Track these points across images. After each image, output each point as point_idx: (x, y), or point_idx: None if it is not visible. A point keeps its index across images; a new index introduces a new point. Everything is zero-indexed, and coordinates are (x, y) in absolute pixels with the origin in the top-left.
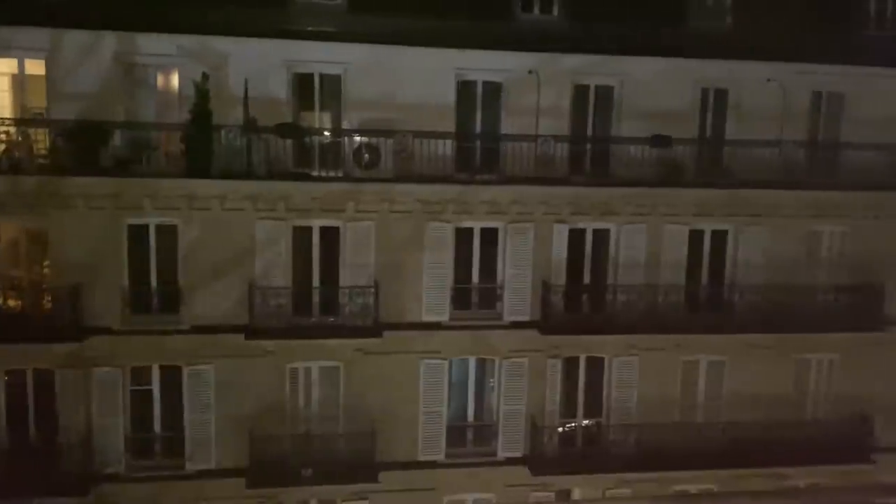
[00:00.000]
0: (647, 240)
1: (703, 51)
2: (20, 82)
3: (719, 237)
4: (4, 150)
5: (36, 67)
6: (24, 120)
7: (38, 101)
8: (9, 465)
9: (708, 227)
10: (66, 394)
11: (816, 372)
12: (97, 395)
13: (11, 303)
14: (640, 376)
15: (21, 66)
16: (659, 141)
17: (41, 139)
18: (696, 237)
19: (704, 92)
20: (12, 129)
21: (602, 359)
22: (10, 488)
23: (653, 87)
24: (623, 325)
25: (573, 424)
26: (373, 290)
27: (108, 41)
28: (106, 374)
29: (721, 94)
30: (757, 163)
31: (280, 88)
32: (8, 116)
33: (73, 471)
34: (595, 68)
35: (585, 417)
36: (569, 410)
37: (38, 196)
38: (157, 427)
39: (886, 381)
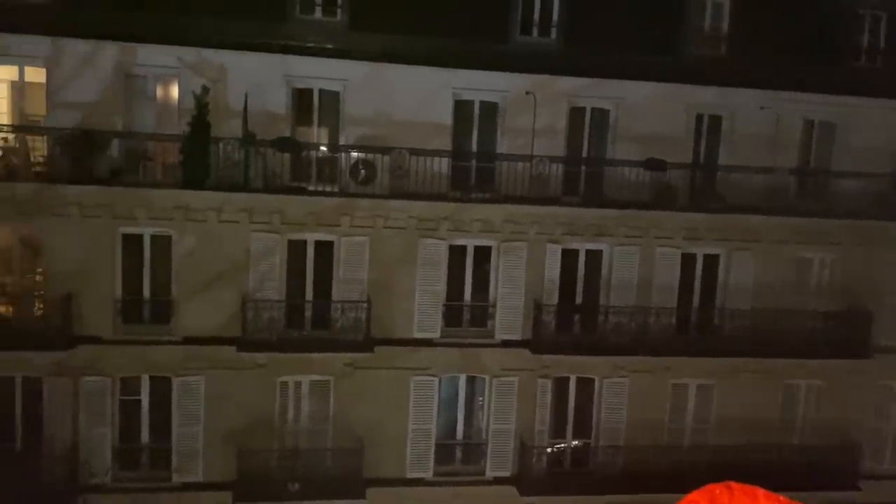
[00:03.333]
0: (639, 262)
1: (698, 77)
2: (20, 89)
3: (711, 261)
4: (1, 157)
5: (36, 75)
6: (22, 127)
7: (37, 109)
8: None
9: (700, 250)
10: (53, 402)
11: (805, 397)
12: (85, 405)
13: (2, 309)
14: (629, 398)
15: (21, 73)
16: (653, 164)
17: (39, 147)
18: (688, 260)
19: (699, 117)
20: (10, 136)
21: (592, 380)
22: None
23: (648, 112)
24: (614, 346)
25: (562, 445)
26: (365, 305)
27: (110, 51)
28: (94, 383)
29: (715, 120)
30: (749, 188)
31: (279, 103)
32: (6, 123)
33: (58, 480)
34: (591, 91)
35: (574, 438)
36: (558, 431)
37: (33, 203)
38: (144, 438)
39: (873, 407)
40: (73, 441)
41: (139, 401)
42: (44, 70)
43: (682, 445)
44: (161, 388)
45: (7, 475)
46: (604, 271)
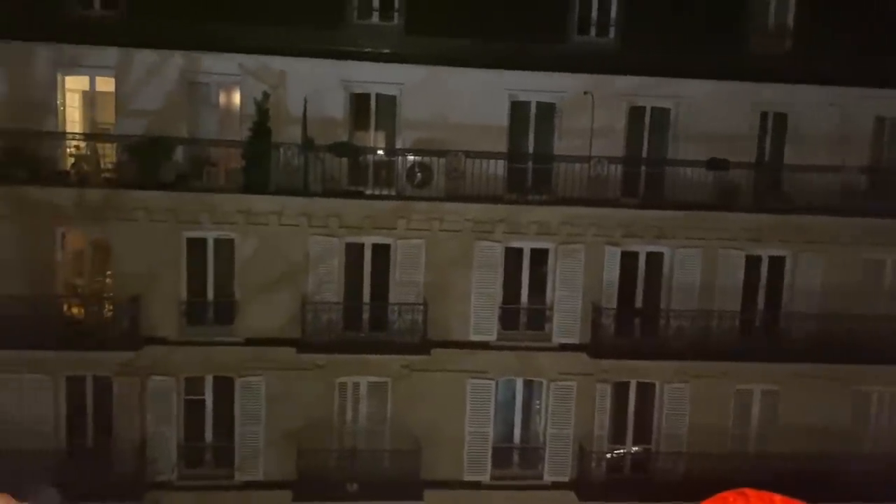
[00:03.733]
0: (701, 264)
1: (762, 74)
2: (91, 99)
3: (776, 263)
4: (74, 164)
5: (106, 85)
6: (92, 135)
7: (106, 117)
8: (67, 468)
9: (765, 252)
10: (122, 401)
11: (877, 405)
12: (152, 404)
13: (75, 311)
14: (691, 404)
15: (92, 83)
16: (716, 164)
17: (108, 153)
18: (752, 263)
19: (763, 115)
20: (82, 144)
21: (653, 385)
22: (67, 491)
23: (710, 110)
24: (675, 350)
25: (622, 451)
26: (421, 307)
27: (175, 60)
28: (161, 382)
29: (780, 118)
30: (816, 188)
31: (337, 108)
32: (78, 131)
33: (127, 477)
34: (651, 90)
35: (634, 444)
36: (617, 436)
37: (103, 208)
38: (208, 437)
39: None
40: (140, 439)
41: (203, 400)
42: (113, 80)
43: (746, 452)
44: (224, 388)
45: (79, 471)
46: (664, 274)
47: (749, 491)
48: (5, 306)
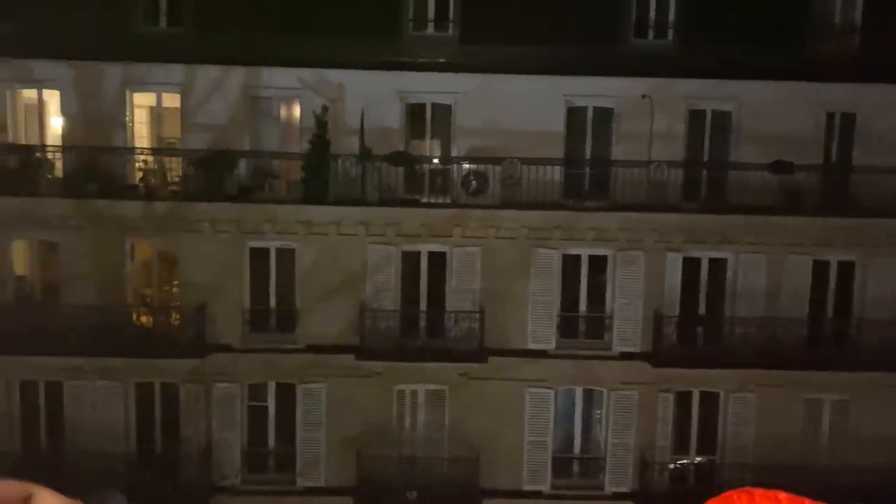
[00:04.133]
0: (766, 270)
1: (828, 74)
2: (157, 114)
3: (845, 268)
4: (142, 178)
5: (172, 100)
6: (159, 149)
7: (172, 132)
8: (136, 472)
9: (833, 257)
10: (188, 407)
11: None
12: (217, 410)
13: (144, 319)
14: (757, 414)
15: (159, 99)
16: (780, 167)
17: (174, 167)
18: (820, 268)
19: (830, 116)
20: (150, 158)
21: (717, 394)
22: (136, 494)
23: (774, 112)
24: (740, 359)
25: (685, 461)
26: (478, 315)
27: (237, 75)
28: (226, 389)
29: (848, 119)
30: (887, 191)
31: (393, 118)
32: (146, 146)
33: (193, 481)
34: (711, 93)
35: (698, 454)
36: (680, 446)
37: (169, 220)
38: (271, 442)
39: None
40: (206, 444)
41: (266, 407)
42: (178, 95)
43: (815, 465)
44: (286, 395)
45: (147, 475)
46: (728, 280)
47: (755, 490)
48: (78, 315)
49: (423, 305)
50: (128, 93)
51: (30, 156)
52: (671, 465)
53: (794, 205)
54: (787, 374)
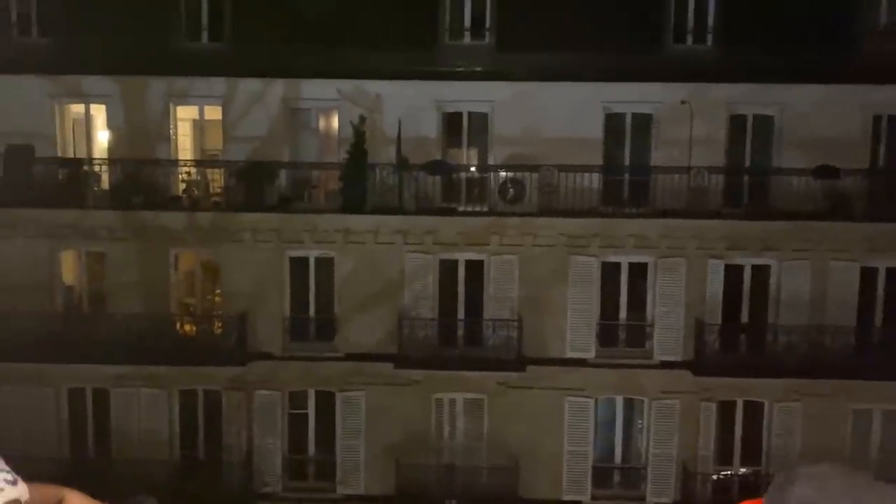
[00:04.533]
0: (811, 277)
1: (875, 76)
2: (200, 127)
3: (894, 275)
4: (185, 189)
5: (214, 113)
6: (202, 161)
7: (214, 144)
8: (179, 478)
9: (881, 264)
10: (230, 414)
11: None
12: (258, 417)
13: (187, 328)
14: (803, 424)
15: (201, 112)
16: (824, 172)
17: (216, 178)
18: (867, 275)
19: (876, 119)
20: (193, 170)
21: (761, 403)
22: (179, 501)
23: (817, 115)
24: (784, 368)
25: (729, 472)
26: (516, 323)
27: (276, 87)
28: (267, 397)
29: None
30: None
31: (430, 127)
32: (189, 158)
33: (235, 488)
34: (752, 97)
35: (742, 465)
36: (724, 457)
37: (211, 230)
38: (311, 450)
39: None
40: (247, 451)
41: (306, 414)
42: (220, 108)
43: None
44: (326, 402)
45: (191, 481)
46: (772, 287)
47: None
48: (125, 324)
49: (460, 314)
50: (171, 106)
51: (78, 169)
52: (714, 476)
53: (840, 210)
54: (834, 384)
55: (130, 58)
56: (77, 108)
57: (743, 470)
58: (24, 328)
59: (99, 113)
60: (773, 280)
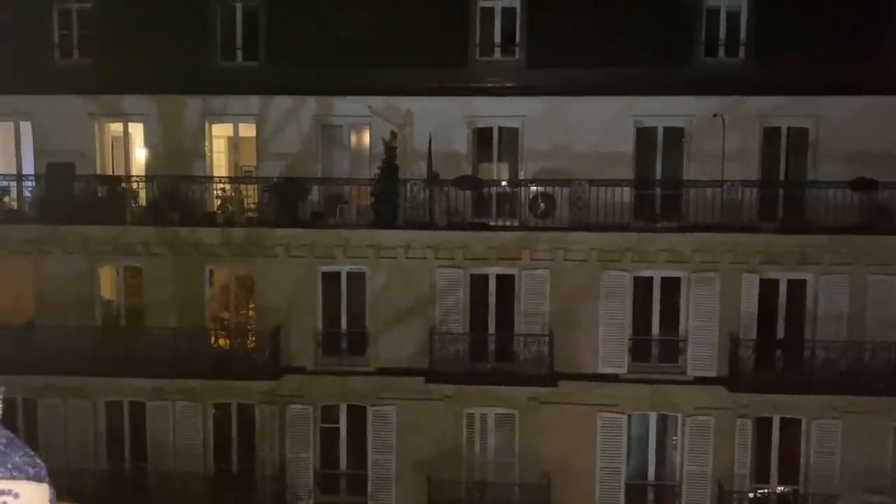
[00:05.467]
0: (849, 292)
1: None
2: (234, 144)
3: None
4: (220, 205)
5: (248, 130)
6: (236, 178)
7: (248, 160)
8: (212, 490)
9: None
10: (263, 428)
11: None
12: (291, 431)
13: (221, 342)
14: (843, 441)
15: (235, 129)
16: (862, 184)
17: (250, 194)
18: None
19: None
20: (227, 187)
21: (799, 420)
22: None
23: (853, 127)
24: (822, 384)
25: (765, 490)
26: (547, 338)
27: (309, 105)
28: (299, 411)
29: None
30: None
31: (461, 143)
32: (224, 175)
33: (267, 500)
34: (786, 109)
35: (780, 483)
36: (761, 475)
37: (246, 246)
38: (342, 464)
39: None
40: (280, 464)
41: (338, 428)
42: (254, 125)
43: None
44: (357, 417)
45: (224, 494)
46: (808, 302)
47: None
48: (161, 338)
49: (491, 328)
50: (207, 124)
51: (116, 186)
52: (751, 495)
53: (879, 223)
54: (873, 401)
55: (167, 77)
56: (116, 127)
57: (781, 488)
58: (63, 342)
59: (137, 131)
60: (809, 295)
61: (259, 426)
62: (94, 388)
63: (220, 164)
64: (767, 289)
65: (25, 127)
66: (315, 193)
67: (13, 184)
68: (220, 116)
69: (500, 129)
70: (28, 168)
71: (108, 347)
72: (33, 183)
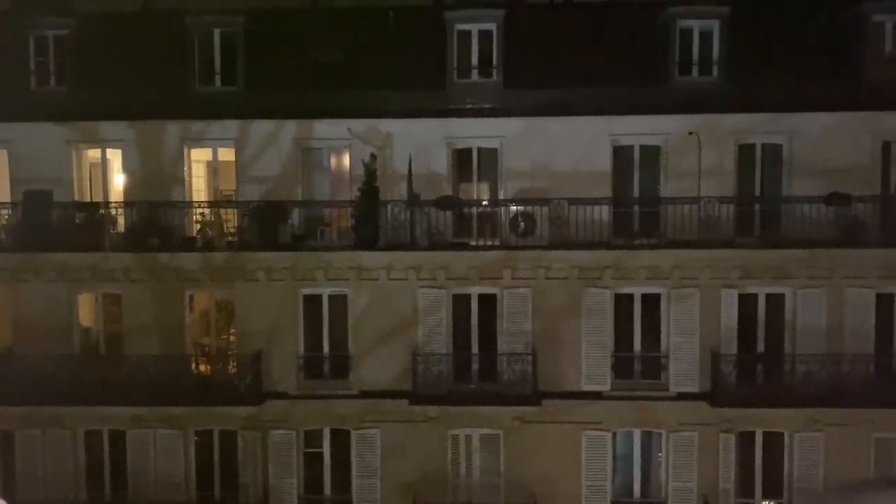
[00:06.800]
0: (827, 305)
1: (883, 102)
2: (214, 168)
3: None
4: (200, 230)
5: (227, 154)
6: (216, 202)
7: (228, 185)
8: None
9: None
10: (246, 454)
11: None
12: (274, 456)
13: (202, 368)
14: (826, 454)
15: (214, 154)
16: (836, 199)
17: (230, 219)
18: (884, 301)
19: (885, 145)
20: (207, 211)
21: (781, 434)
22: None
23: (825, 143)
24: (804, 397)
25: None
26: (530, 356)
27: (289, 128)
28: (282, 436)
29: None
30: None
31: (440, 164)
32: (203, 200)
33: None
34: (760, 126)
35: (764, 498)
36: (745, 489)
37: (226, 270)
38: (327, 489)
39: None
40: (263, 491)
41: (321, 453)
42: (233, 150)
43: None
44: (341, 441)
45: None
46: (787, 316)
47: None
48: (141, 365)
49: (474, 348)
50: (185, 149)
51: (94, 213)
52: None
53: (853, 237)
54: (854, 413)
55: (145, 103)
56: (94, 153)
57: (765, 502)
58: (41, 371)
59: (115, 157)
60: (788, 308)
61: (241, 453)
62: (74, 417)
63: (199, 188)
64: (746, 303)
65: (2, 155)
66: (296, 216)
67: None
68: (199, 141)
69: (480, 150)
70: (4, 196)
71: (87, 375)
72: (10, 210)
